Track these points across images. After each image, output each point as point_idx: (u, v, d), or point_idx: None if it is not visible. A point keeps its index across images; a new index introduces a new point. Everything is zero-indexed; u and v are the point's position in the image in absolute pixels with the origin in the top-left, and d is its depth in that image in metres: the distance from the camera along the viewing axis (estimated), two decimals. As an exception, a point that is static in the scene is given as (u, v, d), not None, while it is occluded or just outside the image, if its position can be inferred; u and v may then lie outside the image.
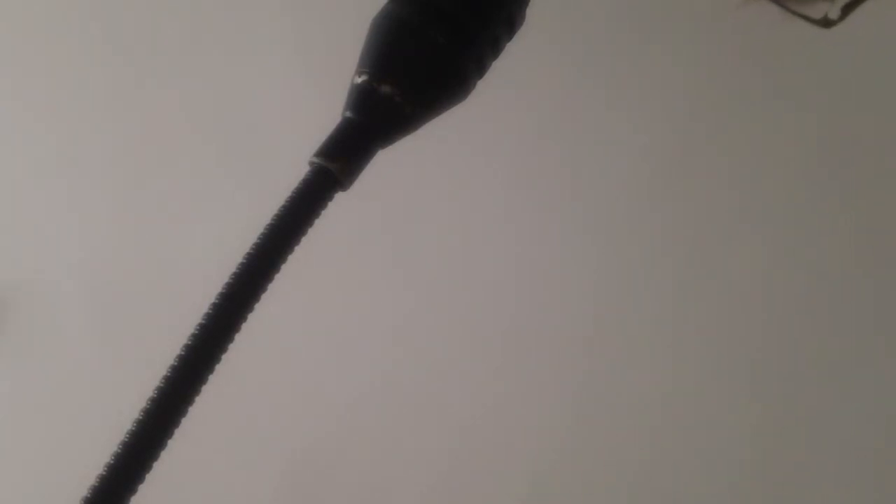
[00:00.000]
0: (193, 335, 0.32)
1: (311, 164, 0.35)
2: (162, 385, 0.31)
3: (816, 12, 0.46)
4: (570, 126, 0.99)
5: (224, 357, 0.32)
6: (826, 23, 0.46)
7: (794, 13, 0.46)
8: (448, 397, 1.01)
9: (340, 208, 0.36)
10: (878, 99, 0.95)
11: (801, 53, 0.93)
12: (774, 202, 0.98)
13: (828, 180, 0.97)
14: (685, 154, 0.98)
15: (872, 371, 0.96)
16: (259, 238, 0.33)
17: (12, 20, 1.05)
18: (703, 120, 0.98)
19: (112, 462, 0.31)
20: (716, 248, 0.98)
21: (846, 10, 0.46)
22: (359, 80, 0.36)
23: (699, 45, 0.97)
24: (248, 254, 0.33)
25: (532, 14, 0.39)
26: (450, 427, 1.01)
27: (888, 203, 0.96)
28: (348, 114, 0.36)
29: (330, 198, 0.35)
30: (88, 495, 0.30)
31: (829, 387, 0.97)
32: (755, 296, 0.98)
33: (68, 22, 1.04)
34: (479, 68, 0.38)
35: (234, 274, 0.33)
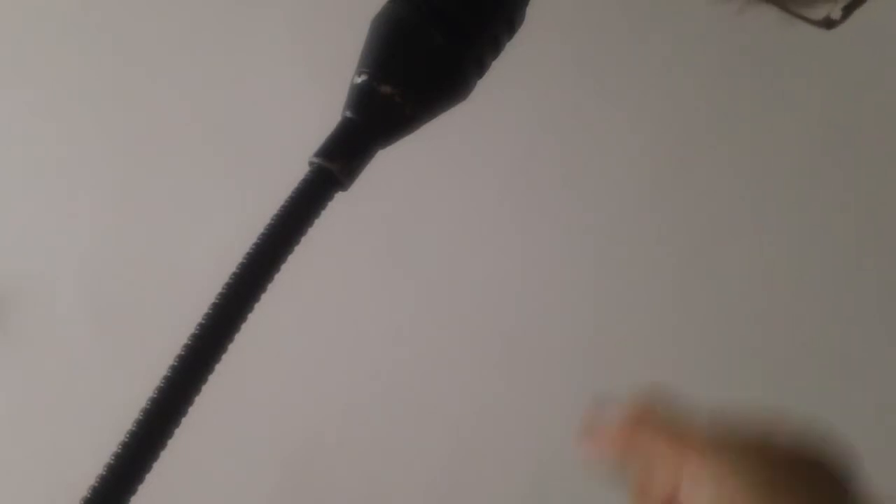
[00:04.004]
0: (193, 335, 0.32)
1: (311, 164, 0.35)
2: (162, 385, 0.31)
3: (817, 14, 0.45)
4: (569, 126, 0.99)
5: (224, 357, 0.32)
6: (828, 24, 0.45)
7: (795, 15, 0.46)
8: (447, 397, 1.01)
9: (340, 208, 0.36)
10: (881, 99, 0.95)
11: (803, 55, 0.93)
12: (774, 202, 0.98)
13: (830, 180, 0.97)
14: (685, 156, 0.98)
15: (874, 367, 0.96)
16: (259, 238, 0.33)
17: (12, 21, 1.05)
18: (705, 122, 0.98)
19: (112, 462, 0.30)
20: (715, 247, 0.98)
21: (848, 11, 0.45)
22: (359, 79, 0.36)
23: (699, 49, 0.97)
24: (248, 254, 0.33)
25: (532, 13, 0.39)
26: (449, 426, 1.01)
27: (888, 201, 0.95)
28: (348, 114, 0.36)
29: (330, 198, 0.35)
30: (88, 495, 0.30)
31: (829, 384, 0.97)
32: (755, 294, 0.98)
33: (68, 22, 1.04)
34: (479, 68, 0.38)
35: (234, 274, 0.33)
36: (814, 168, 0.97)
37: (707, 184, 0.98)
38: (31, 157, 1.06)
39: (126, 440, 0.31)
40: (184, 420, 0.31)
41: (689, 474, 0.33)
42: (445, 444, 1.01)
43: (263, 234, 0.33)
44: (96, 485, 0.30)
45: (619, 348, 0.99)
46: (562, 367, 0.99)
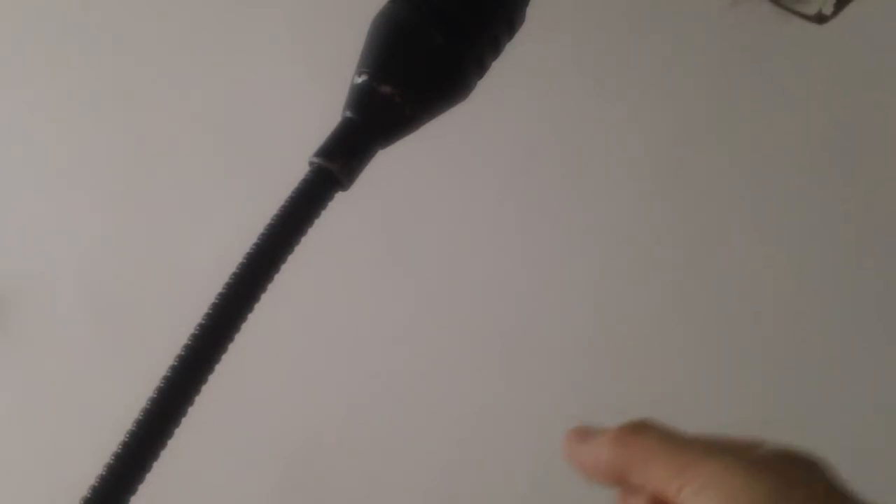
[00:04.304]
0: (193, 335, 0.32)
1: (311, 164, 0.35)
2: (162, 385, 0.31)
3: (810, 8, 0.45)
4: (569, 126, 0.99)
5: (224, 357, 0.32)
6: (820, 18, 0.45)
7: (788, 9, 0.46)
8: (447, 397, 1.01)
9: (340, 208, 0.36)
10: (881, 95, 0.95)
11: (803, 54, 0.93)
12: (775, 201, 0.98)
13: (831, 177, 0.97)
14: (685, 155, 0.98)
15: (874, 367, 0.96)
16: (259, 238, 0.33)
17: (12, 21, 1.05)
18: (705, 122, 0.98)
19: (112, 462, 0.30)
20: (716, 247, 0.98)
21: (840, 5, 0.45)
22: (359, 79, 0.36)
23: (699, 49, 0.97)
24: (248, 254, 0.33)
25: (532, 13, 0.39)
26: (449, 426, 1.01)
27: (890, 199, 0.95)
28: (348, 114, 0.36)
29: (330, 198, 0.35)
30: (88, 495, 0.30)
31: (829, 384, 0.97)
32: (755, 293, 0.98)
33: (68, 22, 1.04)
34: (479, 68, 0.38)
35: (234, 274, 0.33)
36: (814, 166, 0.97)
37: (708, 183, 0.98)
38: (31, 157, 1.06)
39: (126, 440, 0.31)
40: (184, 420, 0.31)
41: (693, 477, 0.32)
42: (445, 444, 1.01)
43: (263, 234, 0.33)
44: (96, 485, 0.30)
45: (620, 348, 0.99)
46: (562, 367, 0.99)
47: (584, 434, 0.38)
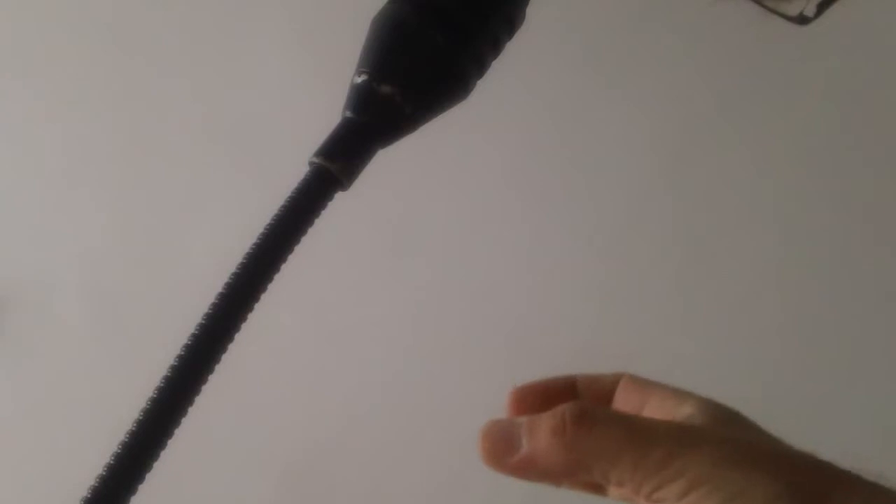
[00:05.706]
0: (193, 335, 0.32)
1: (311, 164, 0.35)
2: (162, 385, 0.31)
3: (792, 9, 0.45)
4: (570, 126, 0.99)
5: (224, 357, 0.32)
6: (802, 20, 0.45)
7: (770, 10, 0.46)
8: (449, 402, 1.01)
9: (340, 208, 0.36)
10: (883, 92, 0.95)
11: (805, 51, 0.93)
12: (778, 197, 0.98)
13: (822, 172, 0.97)
14: (687, 154, 0.98)
15: (875, 365, 0.96)
16: (259, 238, 0.33)
17: (14, 20, 1.05)
18: (706, 120, 0.98)
19: (112, 462, 0.30)
20: (720, 245, 0.98)
21: (822, 7, 0.45)
22: (359, 79, 0.36)
23: (700, 46, 0.97)
24: (248, 254, 0.33)
25: (532, 13, 0.39)
26: (450, 432, 1.01)
27: (883, 188, 0.95)
28: (348, 114, 0.36)
29: (330, 198, 0.35)
30: (88, 495, 0.30)
31: (829, 384, 0.97)
32: (759, 291, 0.98)
33: (69, 21, 1.04)
34: (479, 68, 0.38)
35: (234, 274, 0.33)
36: (814, 164, 0.97)
37: (710, 180, 0.98)
38: (31, 157, 1.06)
39: (126, 440, 0.31)
40: (184, 420, 0.31)
41: (674, 475, 0.29)
42: (447, 449, 1.01)
43: (263, 234, 0.33)
44: (96, 485, 0.30)
45: (620, 347, 0.99)
46: (562, 368, 0.99)
47: (504, 432, 0.34)
